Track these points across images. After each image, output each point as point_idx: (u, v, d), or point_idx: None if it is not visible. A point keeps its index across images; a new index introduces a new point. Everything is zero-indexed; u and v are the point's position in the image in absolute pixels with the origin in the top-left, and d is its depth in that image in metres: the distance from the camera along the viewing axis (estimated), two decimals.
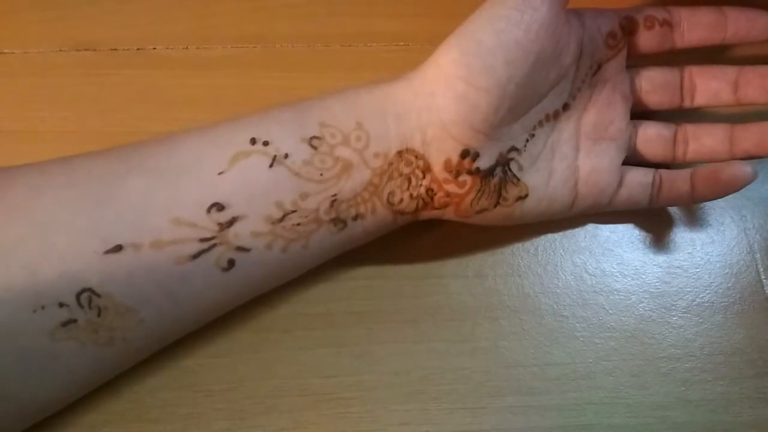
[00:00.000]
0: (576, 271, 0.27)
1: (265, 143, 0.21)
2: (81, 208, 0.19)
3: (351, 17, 0.31)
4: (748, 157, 0.25)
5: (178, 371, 0.23)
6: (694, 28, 0.25)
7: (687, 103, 0.26)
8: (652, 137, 0.26)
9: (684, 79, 0.26)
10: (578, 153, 0.25)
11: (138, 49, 0.29)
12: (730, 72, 0.26)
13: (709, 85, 0.26)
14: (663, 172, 0.26)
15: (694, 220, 0.28)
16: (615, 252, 0.27)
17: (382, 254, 0.24)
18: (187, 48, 0.30)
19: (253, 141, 0.21)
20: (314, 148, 0.21)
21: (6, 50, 0.29)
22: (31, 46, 0.29)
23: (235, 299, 0.23)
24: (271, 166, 0.21)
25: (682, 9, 0.25)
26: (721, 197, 0.25)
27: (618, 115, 0.25)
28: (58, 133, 0.28)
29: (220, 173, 0.20)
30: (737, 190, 0.24)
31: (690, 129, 0.26)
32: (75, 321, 0.19)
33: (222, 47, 0.30)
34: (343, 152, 0.21)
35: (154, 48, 0.30)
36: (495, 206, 0.23)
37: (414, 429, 0.23)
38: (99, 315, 0.19)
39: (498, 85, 0.21)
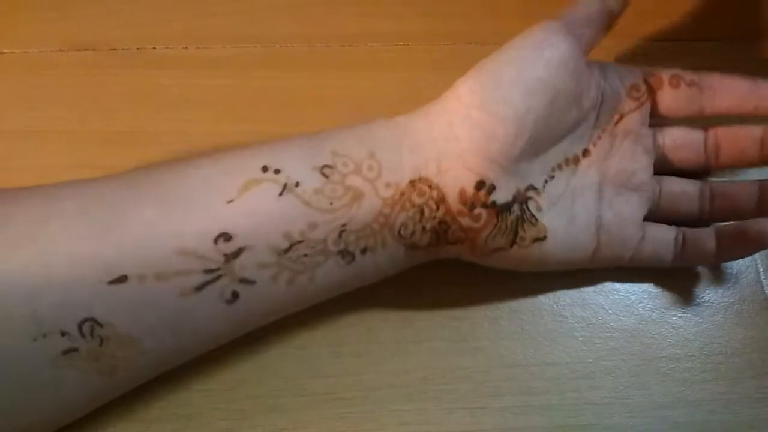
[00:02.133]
0: (576, 270, 0.27)
1: (277, 171, 0.21)
2: (87, 237, 0.19)
3: (351, 17, 0.31)
4: None
5: (177, 371, 0.23)
6: (726, 94, 0.25)
7: (711, 163, 0.26)
8: (677, 193, 0.26)
9: (708, 138, 0.26)
10: (601, 201, 0.24)
11: (138, 49, 0.29)
12: (756, 131, 0.25)
13: (735, 145, 0.25)
14: (686, 230, 0.25)
15: None
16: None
17: None
18: (186, 48, 0.30)
19: (265, 169, 0.21)
20: (326, 176, 0.21)
21: (6, 50, 0.29)
22: (31, 46, 0.29)
23: (237, 331, 0.22)
24: (281, 194, 0.20)
25: (714, 75, 0.25)
26: (748, 256, 0.25)
27: (641, 167, 0.25)
28: (58, 133, 0.28)
29: (229, 201, 0.20)
30: (765, 248, 0.24)
31: (716, 186, 0.26)
32: (76, 350, 0.19)
33: (222, 47, 0.30)
34: (355, 181, 0.21)
35: (154, 48, 0.30)
36: (512, 246, 0.23)
37: (414, 429, 0.23)
38: (101, 344, 0.19)
39: (515, 115, 0.21)
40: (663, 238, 0.25)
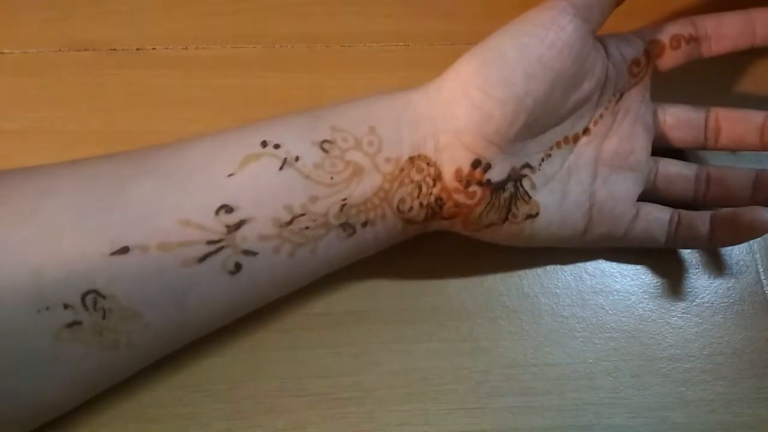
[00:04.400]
0: (575, 271, 0.27)
1: (276, 146, 0.21)
2: (89, 211, 0.19)
3: (350, 17, 0.31)
4: None
5: (177, 371, 0.23)
6: (722, 38, 0.24)
7: (711, 144, 0.26)
8: (672, 174, 0.26)
9: (709, 120, 0.26)
10: (595, 179, 0.24)
11: (137, 49, 0.29)
12: (756, 117, 0.25)
13: (735, 129, 0.25)
14: (682, 211, 0.25)
15: None
16: (615, 252, 0.27)
17: (381, 254, 0.24)
18: (186, 48, 0.30)
19: (264, 144, 0.21)
20: (325, 151, 0.21)
21: (6, 50, 0.29)
22: (31, 46, 0.29)
23: (241, 306, 0.22)
24: (281, 168, 0.21)
25: (708, 19, 0.25)
26: (740, 243, 0.25)
27: (639, 146, 0.25)
28: (58, 133, 0.28)
29: (229, 175, 0.20)
30: (757, 237, 0.24)
31: (713, 171, 0.26)
32: (80, 323, 0.19)
33: (221, 47, 0.30)
34: (355, 156, 0.21)
35: (154, 48, 0.30)
36: (504, 222, 0.23)
37: (413, 429, 0.23)
38: (104, 317, 0.19)
39: (514, 97, 0.21)
40: (657, 217, 0.25)
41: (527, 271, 0.26)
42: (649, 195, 0.26)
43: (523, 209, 0.23)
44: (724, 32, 0.24)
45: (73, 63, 0.29)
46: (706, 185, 0.26)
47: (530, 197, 0.23)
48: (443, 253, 0.26)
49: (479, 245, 0.25)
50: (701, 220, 0.25)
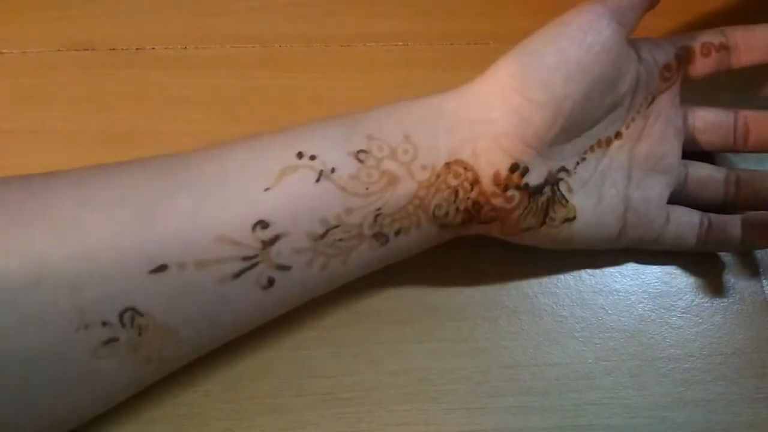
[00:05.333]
0: (575, 271, 0.27)
1: (312, 157, 0.21)
2: (126, 226, 0.19)
3: (350, 17, 0.31)
4: None
5: (177, 371, 0.23)
6: (751, 49, 0.25)
7: (739, 146, 0.26)
8: (703, 178, 0.26)
9: (738, 122, 0.26)
10: (629, 182, 0.24)
11: (137, 49, 0.29)
12: None
13: (764, 131, 0.25)
14: (712, 215, 0.25)
15: None
16: (615, 252, 0.27)
17: None
18: (186, 48, 0.30)
19: (300, 155, 0.21)
20: (361, 161, 0.21)
21: (5, 50, 0.29)
22: (31, 46, 0.29)
23: (269, 316, 0.22)
24: (317, 180, 0.20)
25: (738, 30, 0.25)
26: None
27: (671, 149, 0.25)
28: (58, 133, 0.28)
29: (266, 189, 0.20)
30: None
31: (743, 174, 0.26)
32: (117, 339, 0.19)
33: (221, 47, 0.30)
34: (390, 166, 0.21)
35: (153, 48, 0.30)
36: (541, 225, 0.23)
37: (413, 429, 0.23)
38: (140, 334, 0.19)
39: (554, 101, 0.21)
40: (688, 221, 0.25)
41: (527, 271, 0.26)
42: (679, 198, 0.26)
43: (560, 213, 0.23)
44: (754, 44, 0.24)
45: (73, 63, 0.29)
46: (736, 188, 0.26)
47: (567, 201, 0.23)
48: (443, 253, 0.26)
49: (479, 245, 0.25)
50: (733, 223, 0.25)
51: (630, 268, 0.27)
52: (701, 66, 0.25)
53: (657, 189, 0.25)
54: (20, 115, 0.28)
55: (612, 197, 0.24)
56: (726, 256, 0.27)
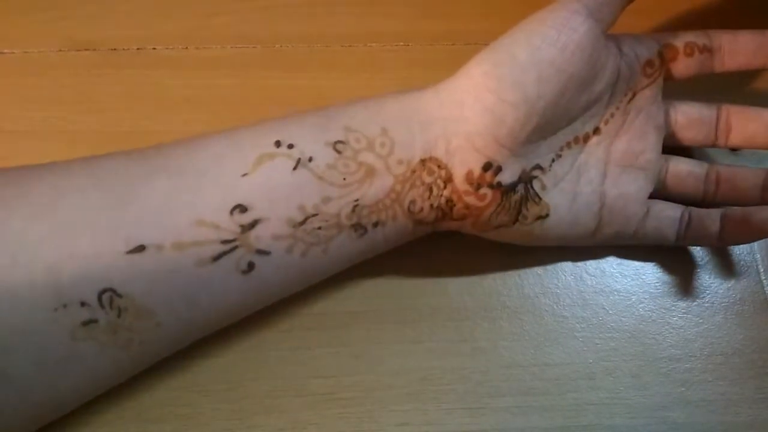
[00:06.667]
0: (576, 271, 0.27)
1: (290, 146, 0.21)
2: (104, 209, 0.19)
3: (351, 17, 0.31)
4: None
5: (177, 371, 0.23)
6: (735, 54, 0.24)
7: (721, 142, 0.26)
8: (683, 173, 0.26)
9: (720, 118, 0.25)
10: (605, 179, 0.24)
11: (138, 49, 0.29)
12: (767, 115, 0.25)
13: (746, 127, 0.25)
14: (693, 209, 0.25)
15: None
16: (615, 252, 0.27)
17: (381, 254, 0.24)
18: (186, 48, 0.30)
19: (278, 144, 0.21)
20: (338, 152, 0.21)
21: (6, 50, 0.29)
22: (31, 46, 0.29)
23: (252, 304, 0.22)
24: (295, 169, 0.21)
25: (723, 34, 0.25)
26: (750, 242, 0.25)
27: (650, 145, 0.25)
28: (58, 133, 0.28)
29: (243, 175, 0.20)
30: (767, 237, 0.24)
31: (723, 170, 0.26)
32: (96, 321, 0.19)
33: (222, 47, 0.30)
34: (367, 158, 0.21)
35: (154, 48, 0.30)
36: (514, 223, 0.23)
37: (413, 429, 0.23)
38: (119, 316, 0.19)
39: (526, 101, 0.21)
40: (668, 215, 0.25)
41: (527, 271, 0.26)
42: (659, 193, 0.26)
43: (533, 210, 0.23)
44: (739, 48, 0.24)
45: (73, 63, 0.29)
46: (716, 184, 0.26)
47: (540, 198, 0.23)
48: (443, 252, 0.26)
49: (480, 245, 0.25)
50: (711, 218, 0.25)
51: (631, 268, 0.27)
52: (684, 66, 0.25)
53: (635, 185, 0.25)
54: (21, 115, 0.28)
55: (587, 194, 0.24)
56: (727, 256, 0.27)
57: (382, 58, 0.30)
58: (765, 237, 0.24)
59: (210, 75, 0.29)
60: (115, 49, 0.29)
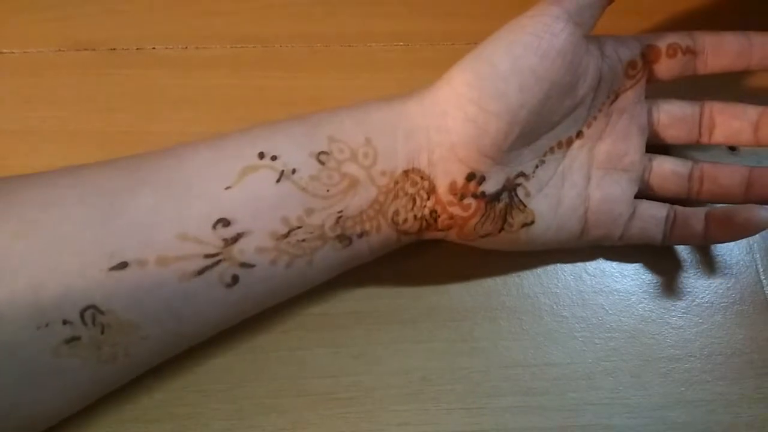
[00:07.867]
0: (575, 271, 0.27)
1: (274, 158, 0.21)
2: (88, 225, 0.19)
3: (350, 17, 0.31)
4: (764, 202, 0.24)
5: (177, 371, 0.23)
6: (718, 56, 0.24)
7: (705, 140, 0.26)
8: (666, 173, 0.26)
9: (704, 115, 0.25)
10: (589, 182, 0.24)
11: (137, 49, 0.29)
12: (751, 112, 0.25)
13: (730, 124, 0.25)
14: (678, 208, 0.25)
15: None
16: (615, 252, 0.27)
17: (381, 255, 0.24)
18: (186, 48, 0.30)
19: (262, 155, 0.21)
20: (322, 163, 0.21)
21: (6, 50, 0.29)
22: (31, 46, 0.29)
23: (238, 315, 0.22)
24: (278, 181, 0.21)
25: (707, 35, 0.24)
26: (735, 240, 0.25)
27: (633, 147, 0.25)
28: (58, 133, 0.28)
29: (227, 188, 0.20)
30: (751, 235, 0.24)
31: (707, 168, 0.25)
32: (78, 338, 0.19)
33: (221, 47, 0.30)
34: (351, 168, 0.21)
35: (154, 48, 0.30)
36: (500, 231, 0.23)
37: (413, 429, 0.23)
38: (102, 332, 0.19)
39: (509, 111, 0.21)
40: (654, 215, 0.25)
41: (527, 271, 0.26)
42: (644, 193, 0.26)
43: (518, 218, 0.23)
44: (722, 50, 0.24)
45: (73, 63, 0.29)
46: (700, 182, 0.26)
47: (525, 206, 0.23)
48: (442, 253, 0.26)
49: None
50: (696, 217, 0.25)
51: (630, 268, 0.27)
52: (666, 67, 0.25)
53: (619, 187, 0.25)
54: (20, 115, 0.28)
55: (572, 198, 0.24)
56: (726, 256, 0.27)
57: (382, 58, 0.30)
58: (749, 235, 0.24)
59: (209, 75, 0.29)
60: (114, 49, 0.29)
